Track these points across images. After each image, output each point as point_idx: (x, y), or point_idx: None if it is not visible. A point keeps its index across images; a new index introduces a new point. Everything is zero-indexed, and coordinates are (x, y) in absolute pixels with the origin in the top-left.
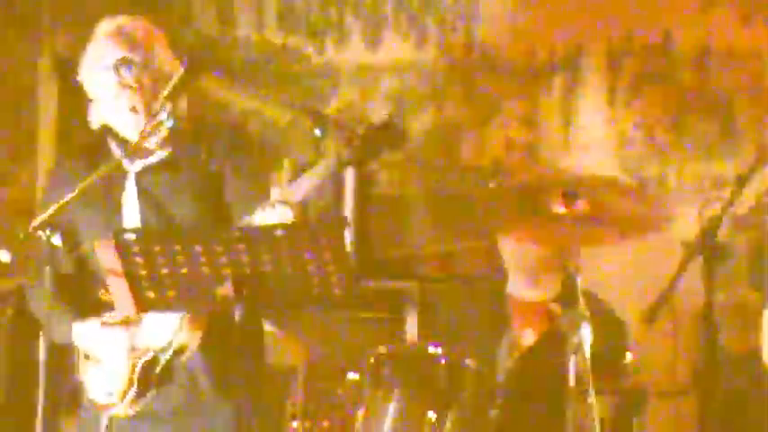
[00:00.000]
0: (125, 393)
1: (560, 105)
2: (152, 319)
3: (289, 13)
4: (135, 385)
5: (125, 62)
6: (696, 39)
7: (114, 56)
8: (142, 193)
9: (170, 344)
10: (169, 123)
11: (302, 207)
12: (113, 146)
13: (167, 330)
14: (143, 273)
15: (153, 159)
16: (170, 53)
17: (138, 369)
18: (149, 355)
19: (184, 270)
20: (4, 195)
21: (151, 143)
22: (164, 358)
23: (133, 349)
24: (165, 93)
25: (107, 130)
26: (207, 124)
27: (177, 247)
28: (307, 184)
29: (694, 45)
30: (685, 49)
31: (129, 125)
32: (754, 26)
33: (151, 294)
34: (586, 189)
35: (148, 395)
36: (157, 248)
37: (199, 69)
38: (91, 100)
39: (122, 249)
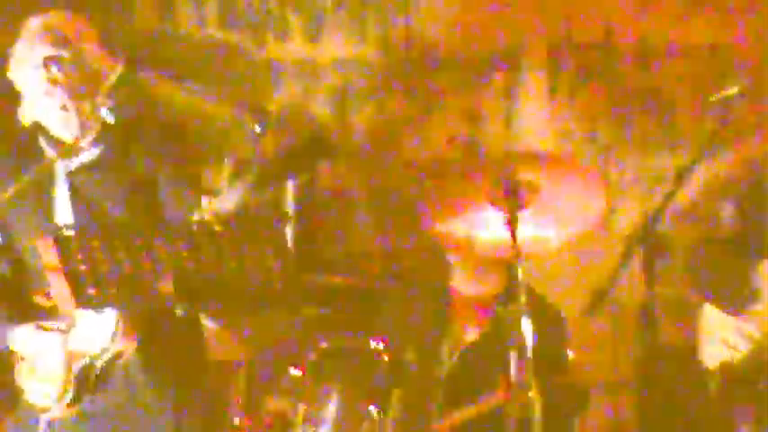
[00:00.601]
0: (62, 397)
1: (501, 101)
2: (88, 323)
3: (229, 8)
4: (72, 389)
5: (54, 60)
6: (635, 35)
7: (43, 53)
8: (74, 192)
9: (106, 350)
10: (111, 119)
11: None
12: (45, 144)
13: (103, 335)
14: (83, 269)
15: (85, 158)
16: (102, 49)
17: (74, 374)
18: (85, 361)
19: (125, 266)
20: None
21: (84, 142)
22: (100, 363)
23: (69, 354)
24: (105, 89)
25: (38, 128)
26: (140, 122)
27: (117, 243)
28: (236, 198)
29: (634, 41)
30: (625, 45)
31: (59, 123)
32: (692, 22)
33: (91, 291)
34: (527, 176)
35: (85, 398)
36: (97, 244)
37: (138, 65)
38: (21, 97)
39: (62, 246)
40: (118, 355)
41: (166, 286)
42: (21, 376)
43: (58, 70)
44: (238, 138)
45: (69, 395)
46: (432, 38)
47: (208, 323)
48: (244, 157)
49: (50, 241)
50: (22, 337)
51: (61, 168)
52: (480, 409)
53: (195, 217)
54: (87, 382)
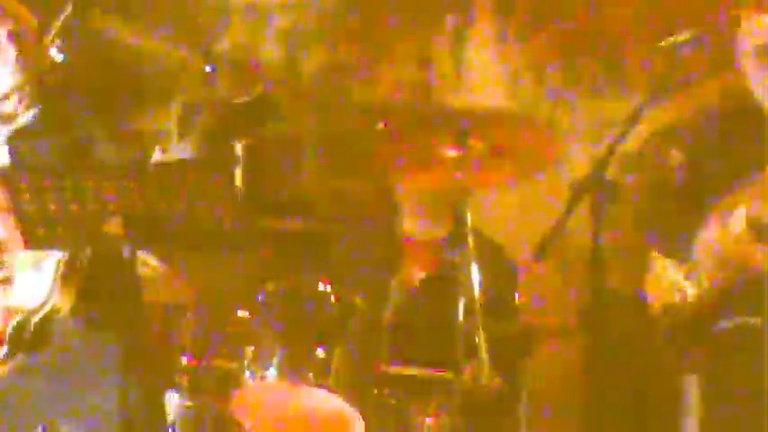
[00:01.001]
0: None
1: (451, 45)
2: (25, 279)
3: None
4: (6, 346)
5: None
6: None
7: None
8: (14, 156)
9: (43, 305)
10: (60, 58)
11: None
12: None
13: (40, 291)
14: (31, 209)
15: (21, 122)
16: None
17: (9, 330)
18: (20, 317)
19: (73, 206)
20: None
21: (17, 107)
22: (35, 319)
23: (5, 310)
24: (54, 30)
25: None
26: (76, 79)
27: (66, 183)
28: (182, 152)
29: None
30: None
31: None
32: None
33: (41, 231)
34: (478, 125)
35: (19, 355)
36: (46, 184)
37: (86, 6)
38: None
39: (11, 185)
40: (54, 311)
41: (114, 227)
42: None
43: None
44: (188, 79)
45: (2, 352)
46: None
47: (156, 263)
48: (194, 97)
49: None
50: None
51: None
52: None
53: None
54: (21, 338)
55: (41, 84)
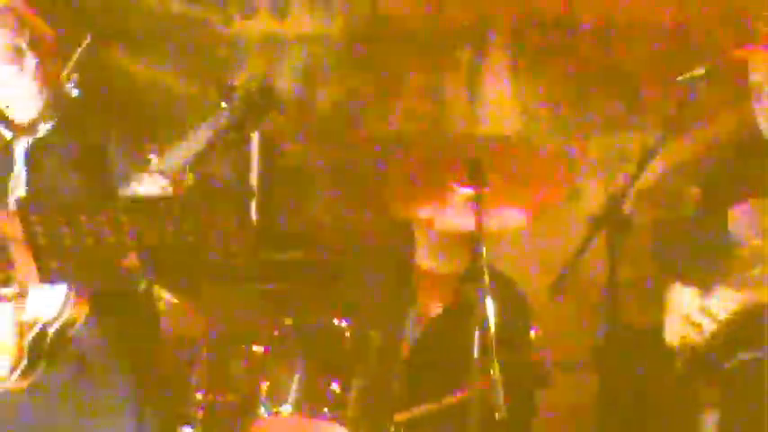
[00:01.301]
0: (16, 368)
1: (465, 78)
2: (39, 292)
3: None
4: (25, 359)
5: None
6: (599, 12)
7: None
8: (33, 167)
9: (58, 317)
10: (75, 92)
11: (179, 175)
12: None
13: (54, 303)
14: (45, 242)
15: (40, 134)
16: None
17: (27, 342)
18: (38, 329)
19: (88, 240)
20: None
21: (39, 120)
22: (52, 331)
23: (21, 324)
24: (71, 64)
25: None
26: (99, 94)
27: (81, 218)
28: (183, 152)
29: (597, 19)
30: (588, 22)
31: (21, 107)
32: (657, 0)
33: (53, 264)
34: (492, 158)
35: (39, 369)
36: (60, 218)
37: (102, 39)
38: None
39: (24, 218)
40: (70, 323)
41: (131, 261)
42: None
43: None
44: (203, 113)
45: (23, 365)
46: (396, 15)
47: (170, 297)
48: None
49: (13, 214)
50: None
51: (19, 147)
52: (443, 405)
53: (134, 184)
54: (41, 350)
55: (59, 101)
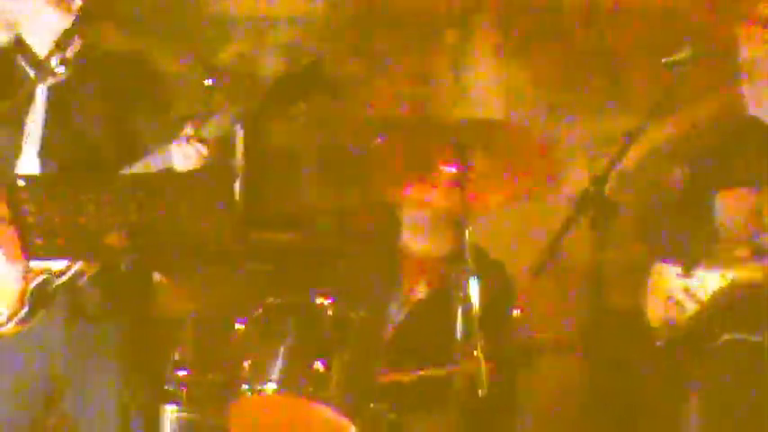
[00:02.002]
0: (16, 314)
1: (451, 62)
2: None
3: None
4: (27, 306)
5: None
6: None
7: None
8: (52, 111)
9: (68, 269)
10: (60, 69)
11: (215, 145)
12: (24, 64)
13: None
14: (32, 220)
15: (62, 78)
16: None
17: (31, 290)
18: (43, 277)
19: (74, 218)
20: None
21: (58, 66)
22: (57, 282)
23: (29, 269)
24: (57, 41)
25: (18, 47)
26: (109, 53)
27: (67, 195)
28: (221, 122)
29: (584, 3)
30: (575, 6)
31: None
32: None
33: (39, 241)
34: (476, 140)
35: (37, 316)
36: (48, 195)
37: (89, 18)
38: None
39: (12, 196)
40: (80, 274)
41: (114, 239)
42: None
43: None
44: (189, 90)
45: (24, 311)
46: None
47: (156, 276)
48: (195, 109)
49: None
50: None
51: (42, 91)
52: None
53: (175, 149)
54: (42, 297)
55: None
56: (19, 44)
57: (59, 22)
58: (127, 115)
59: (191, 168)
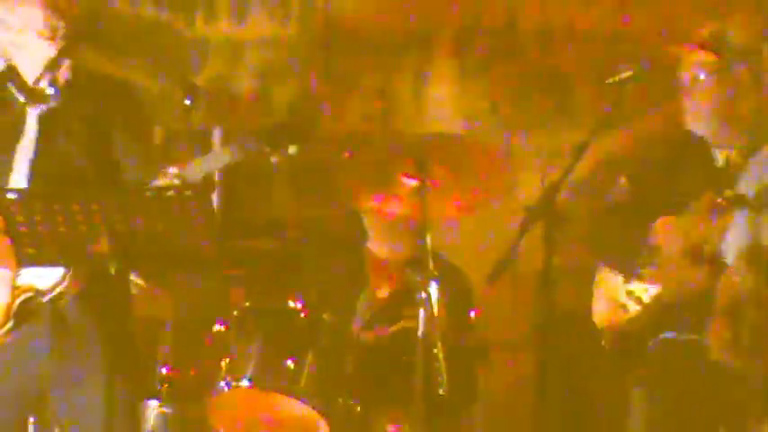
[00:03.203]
0: (1, 327)
1: (413, 80)
2: None
3: None
4: (12, 321)
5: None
6: (539, 20)
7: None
8: (42, 137)
9: (53, 288)
10: (51, 91)
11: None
12: (15, 90)
13: (51, 275)
14: (23, 230)
15: (51, 102)
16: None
17: (16, 305)
18: (29, 294)
19: (62, 228)
20: None
21: (48, 90)
22: (43, 299)
23: (15, 287)
24: (46, 63)
25: (9, 75)
26: (95, 80)
27: (56, 207)
28: (204, 166)
29: (537, 26)
30: (528, 29)
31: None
32: (592, 9)
33: (31, 250)
34: (436, 154)
35: (21, 330)
36: (37, 207)
37: (76, 42)
38: None
39: (4, 208)
40: (61, 296)
41: (100, 247)
42: None
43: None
44: (168, 109)
45: (9, 326)
46: (349, 20)
47: (139, 281)
48: (173, 127)
49: None
50: None
51: (32, 115)
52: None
53: (158, 182)
54: (26, 314)
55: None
56: (9, 70)
57: (47, 50)
58: (109, 137)
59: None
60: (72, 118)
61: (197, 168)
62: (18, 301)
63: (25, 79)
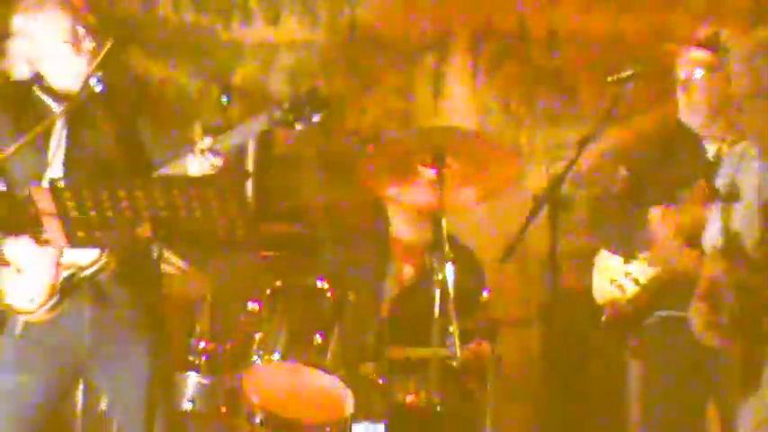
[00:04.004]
0: (46, 302)
1: (431, 80)
2: None
3: None
4: (57, 296)
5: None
6: (546, 25)
7: (67, 25)
8: (71, 137)
9: (93, 263)
10: (99, 88)
11: (230, 156)
12: (44, 96)
13: (92, 252)
14: (73, 215)
15: (81, 105)
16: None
17: (60, 281)
18: (72, 270)
19: (110, 213)
20: None
21: (85, 96)
22: (84, 274)
23: (59, 265)
24: (96, 63)
25: (38, 83)
26: (117, 84)
27: (104, 193)
28: (236, 136)
29: (544, 30)
30: (537, 33)
31: (69, 76)
32: (594, 14)
33: (81, 234)
34: (452, 147)
35: (64, 305)
36: (86, 193)
37: (123, 43)
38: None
39: (56, 194)
40: (102, 270)
41: (144, 231)
42: (3, 281)
43: (85, 35)
44: (207, 106)
45: (54, 300)
46: (372, 24)
47: (179, 263)
48: (211, 121)
49: (45, 190)
50: (19, 247)
51: (61, 120)
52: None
53: (190, 159)
54: (70, 289)
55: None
56: (37, 78)
57: (74, 59)
58: (143, 134)
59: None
60: (104, 116)
61: (230, 138)
62: (62, 278)
63: (53, 86)
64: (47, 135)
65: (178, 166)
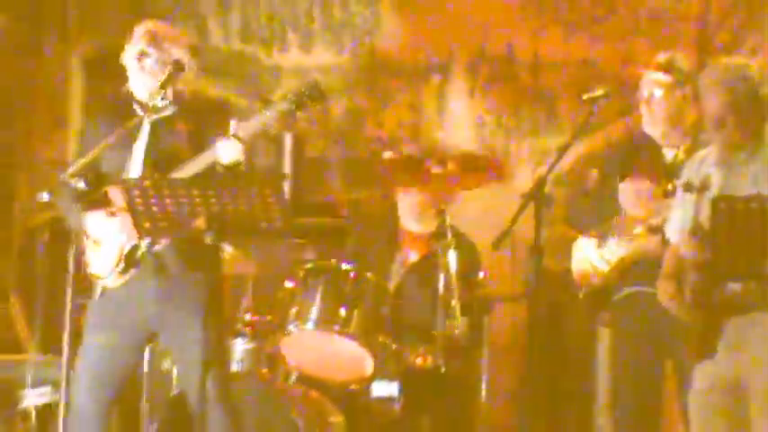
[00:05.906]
0: (115, 268)
1: (436, 97)
2: None
3: (246, 27)
4: (122, 263)
5: (144, 54)
6: (531, 51)
7: (138, 48)
8: (152, 137)
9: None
10: (162, 104)
11: (250, 144)
12: (136, 106)
13: None
14: (141, 209)
15: (163, 115)
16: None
17: (125, 251)
18: (133, 241)
19: (170, 208)
20: (45, 155)
21: (160, 104)
22: (144, 245)
23: (127, 235)
24: (159, 83)
25: (132, 95)
26: (198, 99)
27: (166, 191)
28: (254, 124)
29: (530, 56)
30: (524, 58)
31: (143, 92)
32: (572, 43)
33: (147, 224)
34: (454, 152)
35: (131, 271)
36: (151, 192)
37: (183, 68)
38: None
39: (127, 193)
40: (155, 243)
41: (199, 223)
42: (88, 252)
43: (147, 59)
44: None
45: (120, 267)
46: (388, 51)
47: (228, 248)
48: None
49: (119, 189)
50: (95, 220)
51: (146, 122)
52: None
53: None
54: (133, 258)
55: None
56: (129, 90)
57: (144, 77)
58: (205, 139)
59: (235, 162)
60: (176, 125)
61: (247, 127)
62: (126, 249)
63: (138, 98)
64: (133, 137)
65: (209, 153)
